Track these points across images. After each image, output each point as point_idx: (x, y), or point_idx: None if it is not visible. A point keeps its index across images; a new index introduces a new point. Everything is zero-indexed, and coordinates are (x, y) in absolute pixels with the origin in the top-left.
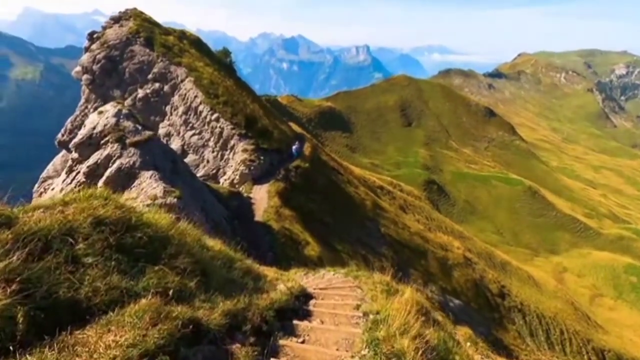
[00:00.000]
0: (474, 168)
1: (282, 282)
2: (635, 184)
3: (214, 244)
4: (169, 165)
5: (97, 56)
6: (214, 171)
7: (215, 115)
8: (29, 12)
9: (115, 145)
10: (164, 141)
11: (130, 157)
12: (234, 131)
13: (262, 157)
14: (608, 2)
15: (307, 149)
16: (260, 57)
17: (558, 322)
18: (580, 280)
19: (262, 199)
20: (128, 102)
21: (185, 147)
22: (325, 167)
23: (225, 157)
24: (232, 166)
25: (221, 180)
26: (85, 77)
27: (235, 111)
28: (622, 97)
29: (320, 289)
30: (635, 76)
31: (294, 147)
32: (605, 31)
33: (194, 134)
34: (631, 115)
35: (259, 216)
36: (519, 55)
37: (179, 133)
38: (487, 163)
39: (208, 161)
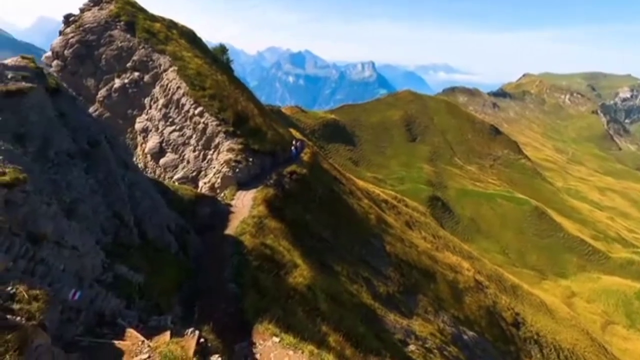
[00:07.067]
0: (479, 186)
1: None
2: None
3: None
4: (79, 145)
5: (70, 40)
6: (194, 173)
7: (199, 109)
8: (43, 21)
9: None
10: (141, 138)
11: None
12: (219, 128)
13: (250, 159)
14: (609, 28)
15: (306, 154)
16: (267, 70)
17: (577, 356)
18: (590, 306)
19: (245, 207)
20: (103, 92)
21: (164, 145)
22: (325, 176)
23: (208, 157)
24: (214, 167)
25: (200, 184)
26: (55, 63)
27: (223, 107)
28: (627, 120)
29: None
30: None
31: (293, 148)
32: (608, 55)
33: (174, 130)
34: (636, 138)
35: (232, 228)
36: (523, 75)
37: (157, 129)
38: (492, 181)
39: (188, 162)
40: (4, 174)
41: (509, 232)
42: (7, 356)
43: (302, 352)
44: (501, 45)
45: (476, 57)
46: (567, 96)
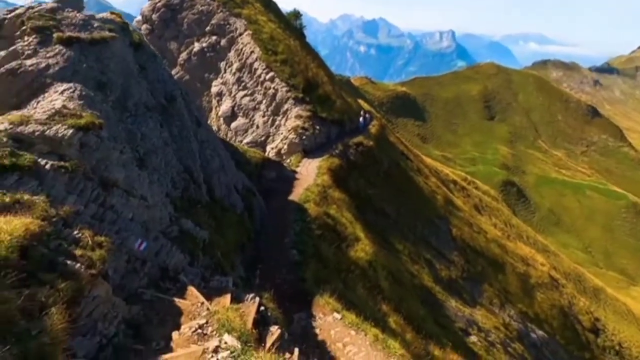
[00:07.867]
0: (564, 174)
1: None
2: None
3: None
4: (157, 98)
5: (157, 4)
6: (263, 138)
7: (271, 74)
8: None
9: (32, 37)
10: (215, 101)
11: (46, 59)
12: (289, 94)
13: (317, 127)
14: None
15: (373, 127)
16: (338, 39)
17: None
18: None
19: (309, 175)
20: (184, 55)
21: (236, 109)
22: (392, 149)
23: (277, 123)
24: (282, 133)
25: (268, 149)
26: (144, 27)
27: (294, 72)
28: None
29: None
30: None
31: (361, 119)
32: None
33: (245, 95)
34: None
35: (296, 195)
36: (639, 47)
37: (230, 93)
38: (582, 170)
39: (258, 126)
40: (80, 117)
41: (595, 228)
42: (54, 309)
43: (365, 335)
44: (612, 10)
45: (579, 25)
46: None
